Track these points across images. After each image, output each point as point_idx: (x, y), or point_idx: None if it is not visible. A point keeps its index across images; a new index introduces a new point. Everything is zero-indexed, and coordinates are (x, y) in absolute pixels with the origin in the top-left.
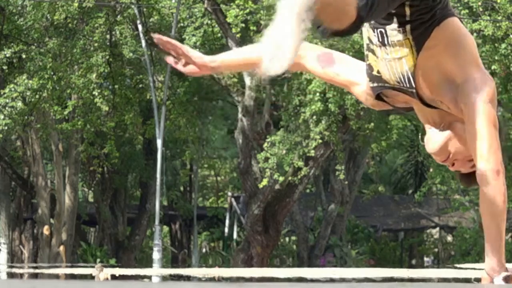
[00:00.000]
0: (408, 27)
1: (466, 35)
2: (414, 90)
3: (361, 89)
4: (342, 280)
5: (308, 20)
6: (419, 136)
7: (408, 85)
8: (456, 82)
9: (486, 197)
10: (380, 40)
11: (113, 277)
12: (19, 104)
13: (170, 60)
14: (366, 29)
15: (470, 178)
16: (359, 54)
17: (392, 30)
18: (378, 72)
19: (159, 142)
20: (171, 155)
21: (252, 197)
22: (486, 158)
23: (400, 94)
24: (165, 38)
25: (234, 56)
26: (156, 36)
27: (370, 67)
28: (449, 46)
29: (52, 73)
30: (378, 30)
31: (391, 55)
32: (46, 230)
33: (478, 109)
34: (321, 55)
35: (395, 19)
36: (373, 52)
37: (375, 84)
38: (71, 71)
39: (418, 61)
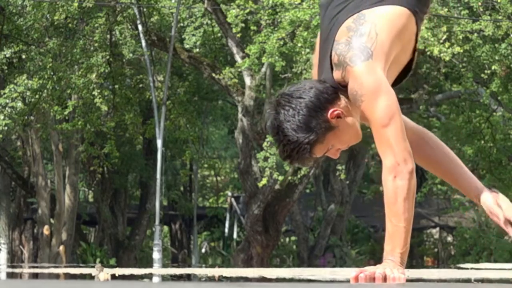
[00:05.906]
0: None
1: None
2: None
3: None
4: (342, 280)
5: None
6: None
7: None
8: None
9: None
10: None
11: (113, 277)
12: (19, 104)
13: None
14: None
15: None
16: None
17: None
18: None
19: (159, 142)
20: (171, 155)
21: (252, 197)
22: None
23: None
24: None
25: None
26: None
27: None
28: None
29: (52, 73)
30: None
31: None
32: (46, 230)
33: None
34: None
35: None
36: None
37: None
38: (71, 71)
39: None
